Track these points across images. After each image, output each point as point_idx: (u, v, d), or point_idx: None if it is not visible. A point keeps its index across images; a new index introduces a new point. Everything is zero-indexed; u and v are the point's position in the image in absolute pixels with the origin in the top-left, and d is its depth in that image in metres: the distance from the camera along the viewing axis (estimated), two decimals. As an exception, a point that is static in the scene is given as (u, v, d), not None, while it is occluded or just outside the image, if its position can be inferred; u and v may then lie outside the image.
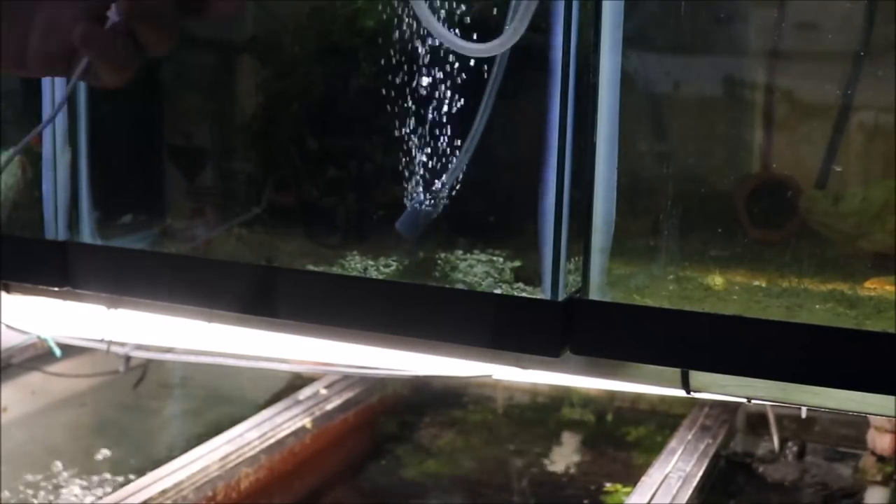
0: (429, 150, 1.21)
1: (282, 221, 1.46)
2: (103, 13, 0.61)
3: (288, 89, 1.41)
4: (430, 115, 1.21)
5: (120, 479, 2.37)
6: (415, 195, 1.22)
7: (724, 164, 1.30)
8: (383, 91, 1.25)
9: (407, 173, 1.23)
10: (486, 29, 1.18)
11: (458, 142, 1.21)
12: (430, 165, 1.22)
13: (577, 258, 1.17)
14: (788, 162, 1.28)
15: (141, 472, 2.15)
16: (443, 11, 1.18)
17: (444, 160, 1.21)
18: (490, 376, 2.12)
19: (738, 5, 1.26)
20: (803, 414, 2.39)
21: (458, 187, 1.22)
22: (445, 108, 1.21)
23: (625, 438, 2.66)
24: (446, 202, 1.22)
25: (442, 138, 1.21)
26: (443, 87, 1.21)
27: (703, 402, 2.42)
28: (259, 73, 1.46)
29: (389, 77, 1.24)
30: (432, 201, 1.21)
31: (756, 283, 1.19)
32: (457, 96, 1.20)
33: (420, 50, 1.21)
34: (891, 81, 1.14)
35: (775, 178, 1.26)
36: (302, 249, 1.41)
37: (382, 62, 1.24)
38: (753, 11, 1.28)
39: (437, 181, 1.21)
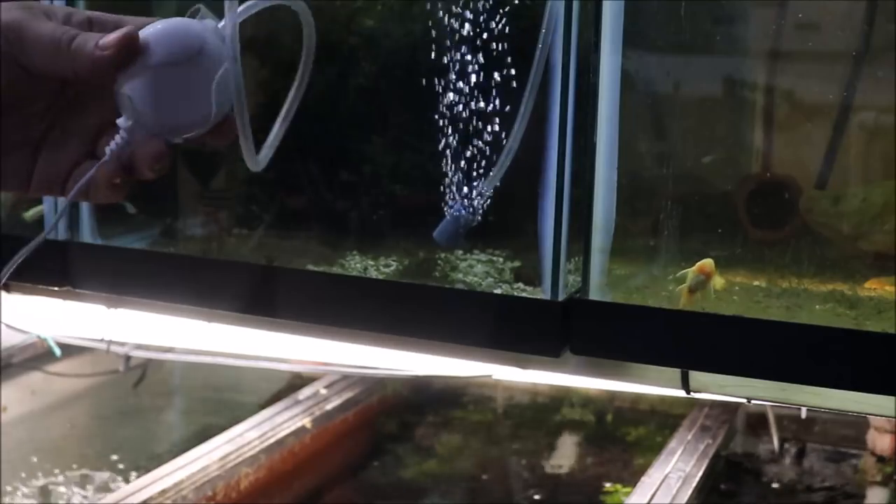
0: (463, 155, 1.21)
1: (288, 223, 1.46)
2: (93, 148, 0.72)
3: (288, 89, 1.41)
4: (459, 121, 1.21)
5: (119, 478, 2.37)
6: (452, 203, 1.21)
7: (724, 165, 1.30)
8: (391, 93, 1.25)
9: (443, 181, 1.22)
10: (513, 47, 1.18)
11: (484, 145, 1.21)
12: (466, 172, 1.21)
13: (577, 258, 1.17)
14: (788, 162, 1.29)
15: (140, 472, 2.16)
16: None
17: (476, 165, 1.21)
18: (490, 376, 2.12)
19: (738, 5, 1.27)
20: (803, 414, 2.39)
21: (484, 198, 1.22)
22: (471, 111, 1.20)
23: (625, 438, 2.66)
24: (483, 209, 1.21)
25: (472, 141, 1.21)
26: (462, 88, 1.21)
27: (703, 403, 2.42)
28: (259, 73, 1.46)
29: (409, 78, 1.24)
30: (469, 208, 1.20)
31: (756, 283, 1.19)
32: (480, 97, 1.20)
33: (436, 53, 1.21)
34: (891, 81, 1.14)
35: (775, 179, 1.26)
36: (298, 249, 1.41)
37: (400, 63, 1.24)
38: (753, 12, 1.28)
39: (475, 187, 1.20)
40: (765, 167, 1.29)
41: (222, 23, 0.72)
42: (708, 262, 1.11)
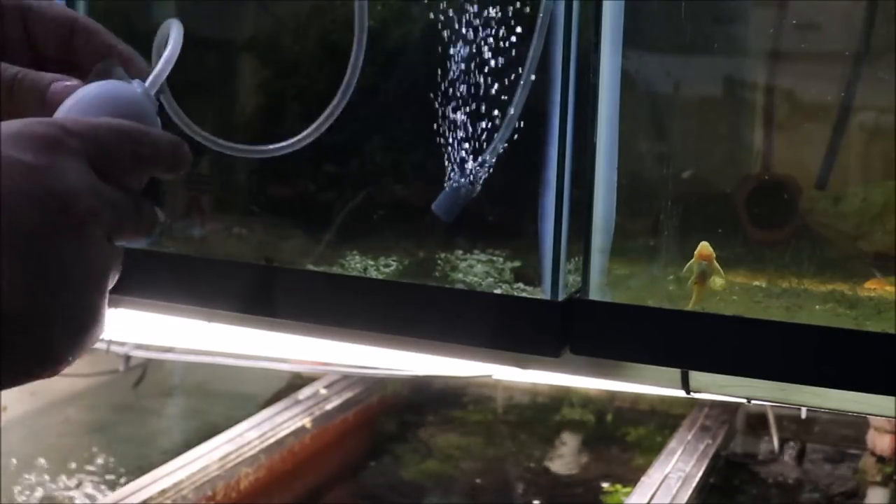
0: (463, 125, 1.20)
1: (289, 221, 1.46)
2: None
3: (288, 89, 1.42)
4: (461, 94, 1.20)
5: (119, 478, 2.37)
6: (451, 176, 1.20)
7: (724, 165, 1.30)
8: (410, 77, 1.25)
9: (442, 152, 1.21)
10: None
11: (487, 122, 1.20)
12: (465, 144, 1.21)
13: (577, 258, 1.17)
14: (788, 162, 1.29)
15: (140, 472, 2.15)
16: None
17: (476, 136, 1.20)
18: (490, 376, 2.12)
19: (738, 5, 1.26)
20: (803, 414, 2.39)
21: (486, 169, 1.21)
22: (478, 84, 1.20)
23: (625, 438, 2.67)
24: (482, 182, 1.20)
25: (476, 114, 1.20)
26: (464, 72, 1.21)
27: (703, 403, 2.42)
28: (259, 73, 1.46)
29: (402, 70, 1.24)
30: (469, 180, 1.19)
31: (756, 283, 1.19)
32: (483, 78, 1.20)
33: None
34: (891, 82, 1.14)
35: (775, 179, 1.26)
36: (302, 248, 1.41)
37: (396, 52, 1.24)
38: (753, 12, 1.28)
39: (474, 160, 1.19)
40: (765, 167, 1.29)
41: (147, 82, 0.66)
42: (704, 246, 1.11)
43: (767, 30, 1.24)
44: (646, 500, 1.90)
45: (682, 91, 1.27)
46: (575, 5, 1.12)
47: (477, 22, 1.18)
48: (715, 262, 1.11)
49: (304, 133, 0.95)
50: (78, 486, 2.34)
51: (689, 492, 1.96)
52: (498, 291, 1.22)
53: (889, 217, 1.16)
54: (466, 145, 1.21)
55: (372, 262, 1.33)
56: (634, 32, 1.14)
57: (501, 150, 1.19)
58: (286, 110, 1.45)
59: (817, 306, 1.13)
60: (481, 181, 1.20)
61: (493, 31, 1.18)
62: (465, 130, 1.20)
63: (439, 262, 1.30)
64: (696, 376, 1.19)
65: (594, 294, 1.15)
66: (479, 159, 1.20)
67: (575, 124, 1.14)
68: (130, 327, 1.88)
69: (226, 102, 1.54)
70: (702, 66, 1.26)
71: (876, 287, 1.14)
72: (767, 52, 1.27)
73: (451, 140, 1.21)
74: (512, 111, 1.17)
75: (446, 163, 1.21)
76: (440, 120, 1.21)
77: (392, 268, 1.32)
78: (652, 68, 1.23)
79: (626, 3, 1.12)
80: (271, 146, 0.95)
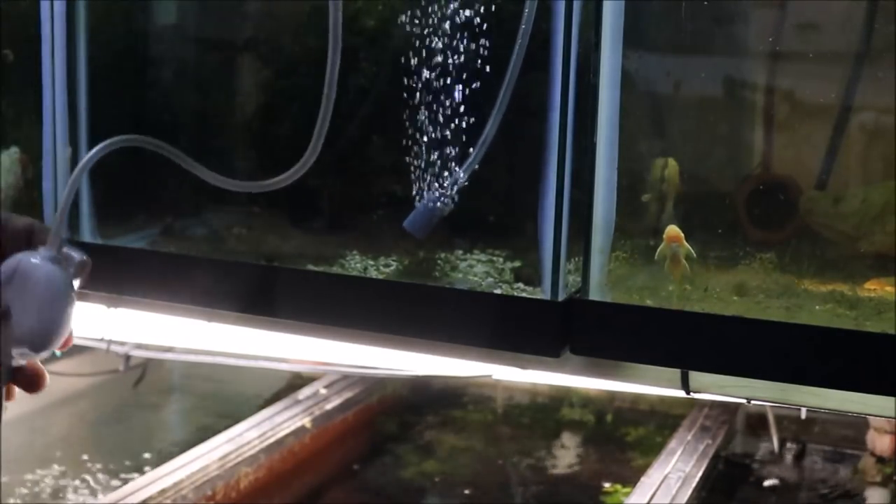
0: (438, 147, 1.21)
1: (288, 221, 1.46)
2: None
3: (288, 89, 1.42)
4: (439, 113, 1.21)
5: (119, 478, 2.37)
6: (424, 193, 1.21)
7: (724, 165, 1.30)
8: (387, 90, 1.26)
9: (415, 171, 1.22)
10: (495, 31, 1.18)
11: (465, 139, 1.21)
12: (439, 163, 1.21)
13: (577, 258, 1.17)
14: (788, 162, 1.28)
15: (140, 472, 2.16)
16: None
17: (452, 157, 1.21)
18: (490, 376, 2.12)
19: (738, 5, 1.26)
20: (803, 414, 2.40)
21: (458, 188, 1.22)
22: (454, 105, 1.21)
23: (625, 438, 2.67)
24: (455, 200, 1.21)
25: (451, 135, 1.21)
26: (449, 85, 1.21)
27: (703, 403, 2.42)
28: (260, 73, 1.46)
29: (393, 76, 1.24)
30: (443, 198, 1.20)
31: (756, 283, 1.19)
32: (464, 94, 1.20)
33: (425, 49, 1.21)
34: (891, 82, 1.14)
35: (775, 179, 1.26)
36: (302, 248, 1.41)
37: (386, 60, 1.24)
38: (753, 12, 1.28)
39: (448, 178, 1.20)
40: (765, 167, 1.29)
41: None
42: (672, 228, 1.13)
43: (767, 30, 1.24)
44: (646, 500, 1.90)
45: (682, 91, 1.27)
46: (575, 5, 1.12)
47: (457, 37, 1.19)
48: (685, 242, 1.13)
49: (294, 168, 0.99)
50: (78, 485, 2.34)
51: (689, 492, 1.96)
52: (498, 291, 1.22)
53: (889, 217, 1.16)
54: (440, 163, 1.21)
55: (372, 262, 1.33)
56: (634, 32, 1.14)
57: (496, 158, 1.19)
58: (286, 110, 1.45)
59: (817, 306, 1.13)
60: (452, 199, 1.21)
61: (470, 51, 1.19)
62: (439, 149, 1.21)
63: (439, 262, 1.30)
64: (696, 376, 1.19)
65: (594, 294, 1.15)
66: (454, 178, 1.20)
67: (575, 124, 1.14)
68: (130, 327, 1.88)
69: (225, 101, 1.54)
70: (702, 66, 1.26)
71: (876, 287, 1.14)
72: (767, 52, 1.27)
73: (424, 158, 1.21)
74: (486, 131, 1.17)
75: (418, 181, 1.22)
76: (414, 138, 1.22)
77: (392, 268, 1.32)
78: (652, 68, 1.23)
79: (626, 3, 1.12)
80: (267, 181, 1.00)
